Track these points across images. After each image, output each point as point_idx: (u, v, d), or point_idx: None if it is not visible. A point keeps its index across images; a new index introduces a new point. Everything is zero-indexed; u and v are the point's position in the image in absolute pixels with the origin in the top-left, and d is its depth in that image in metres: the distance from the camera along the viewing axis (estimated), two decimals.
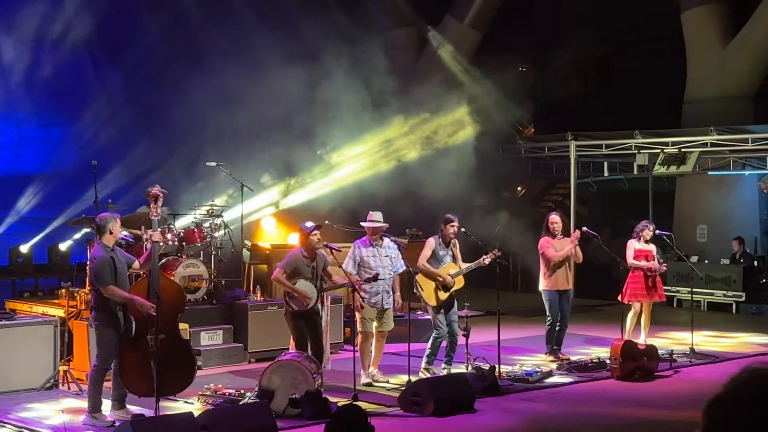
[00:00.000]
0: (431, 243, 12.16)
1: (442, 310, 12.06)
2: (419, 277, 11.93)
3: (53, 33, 17.01)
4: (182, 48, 16.30)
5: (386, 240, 11.78)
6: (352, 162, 18.57)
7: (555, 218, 13.31)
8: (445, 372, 11.92)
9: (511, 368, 12.05)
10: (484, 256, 12.11)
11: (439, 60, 23.02)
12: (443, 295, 12.03)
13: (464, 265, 12.16)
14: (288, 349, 11.83)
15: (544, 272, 13.19)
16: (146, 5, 16.46)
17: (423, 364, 12.03)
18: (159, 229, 10.21)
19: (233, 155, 16.12)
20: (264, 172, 17.42)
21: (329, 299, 12.11)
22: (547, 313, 13.23)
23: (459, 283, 12.13)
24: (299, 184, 18.05)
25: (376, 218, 11.74)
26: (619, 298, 13.68)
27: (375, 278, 11.34)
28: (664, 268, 14.11)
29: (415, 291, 11.98)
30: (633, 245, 13.69)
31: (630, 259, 13.59)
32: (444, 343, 12.17)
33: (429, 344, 12.16)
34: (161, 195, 10.09)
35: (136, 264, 9.88)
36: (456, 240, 12.27)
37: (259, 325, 13.24)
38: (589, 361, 12.68)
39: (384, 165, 18.69)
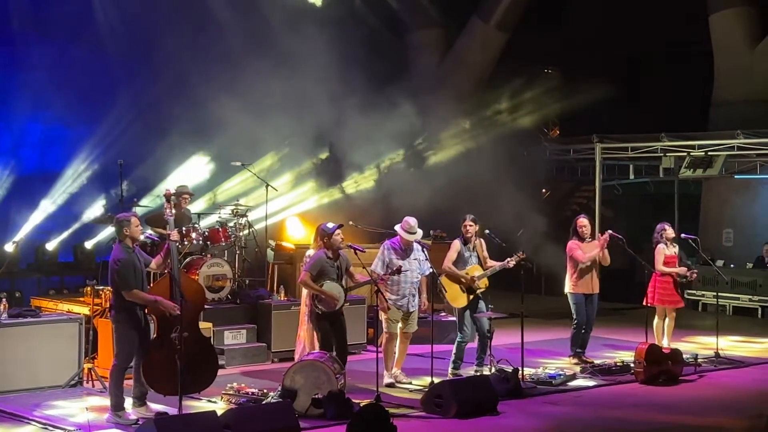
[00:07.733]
0: (456, 245, 12.13)
1: (467, 312, 12.04)
2: (443, 280, 11.90)
3: (80, 31, 17.06)
4: (209, 48, 16.33)
5: (414, 243, 11.76)
6: (376, 162, 18.55)
7: (583, 221, 13.23)
8: (477, 373, 11.91)
9: (534, 371, 12.01)
10: (509, 259, 12.07)
11: (464, 61, 22.98)
12: (469, 297, 12.01)
13: (489, 266, 12.14)
14: (294, 349, 11.86)
15: (570, 275, 13.14)
16: (174, 5, 16.48)
17: (450, 370, 12.03)
18: (176, 229, 10.22)
19: (259, 156, 16.20)
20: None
21: None
22: (574, 316, 13.17)
23: (483, 284, 12.11)
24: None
25: (412, 225, 11.62)
26: (645, 302, 13.58)
27: (398, 271, 11.33)
28: (694, 275, 14.00)
29: (440, 293, 11.94)
30: (663, 251, 13.52)
31: (659, 264, 13.44)
32: (471, 345, 12.15)
33: (454, 348, 12.16)
34: (183, 196, 10.10)
35: (153, 264, 9.91)
36: (482, 240, 12.23)
37: (283, 325, 13.26)
38: (613, 364, 12.65)
39: (409, 165, 18.65)
